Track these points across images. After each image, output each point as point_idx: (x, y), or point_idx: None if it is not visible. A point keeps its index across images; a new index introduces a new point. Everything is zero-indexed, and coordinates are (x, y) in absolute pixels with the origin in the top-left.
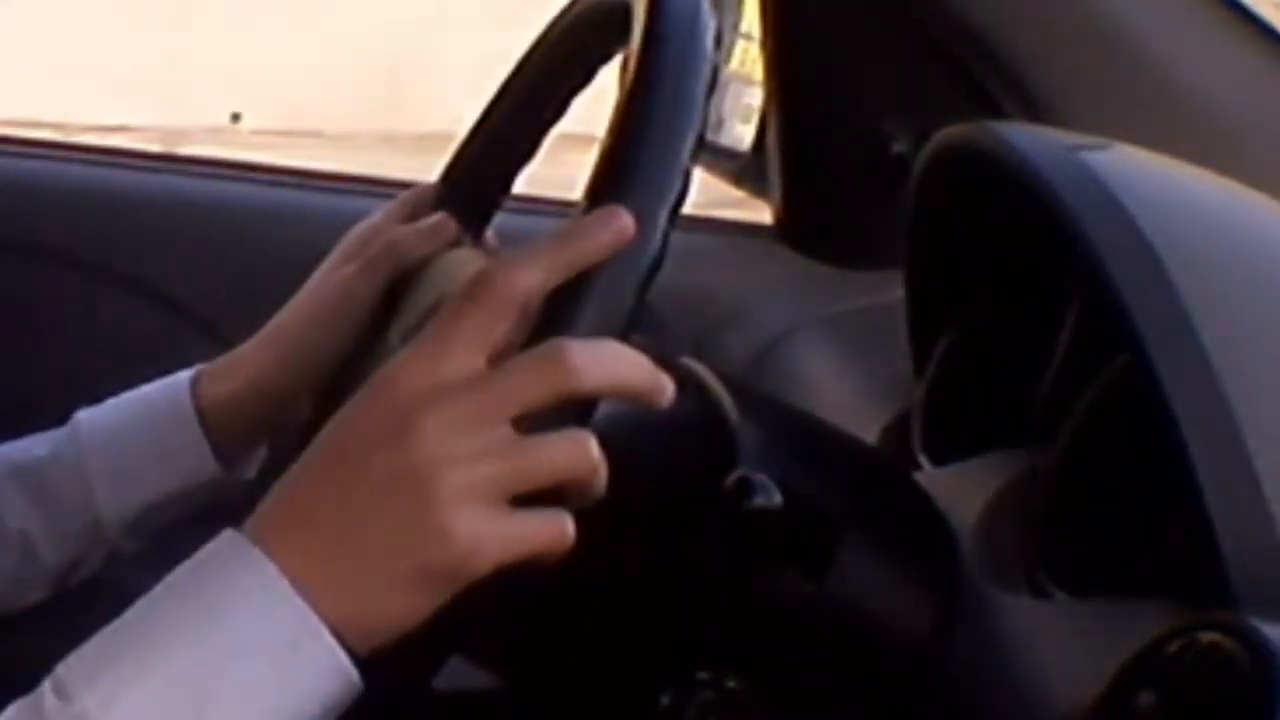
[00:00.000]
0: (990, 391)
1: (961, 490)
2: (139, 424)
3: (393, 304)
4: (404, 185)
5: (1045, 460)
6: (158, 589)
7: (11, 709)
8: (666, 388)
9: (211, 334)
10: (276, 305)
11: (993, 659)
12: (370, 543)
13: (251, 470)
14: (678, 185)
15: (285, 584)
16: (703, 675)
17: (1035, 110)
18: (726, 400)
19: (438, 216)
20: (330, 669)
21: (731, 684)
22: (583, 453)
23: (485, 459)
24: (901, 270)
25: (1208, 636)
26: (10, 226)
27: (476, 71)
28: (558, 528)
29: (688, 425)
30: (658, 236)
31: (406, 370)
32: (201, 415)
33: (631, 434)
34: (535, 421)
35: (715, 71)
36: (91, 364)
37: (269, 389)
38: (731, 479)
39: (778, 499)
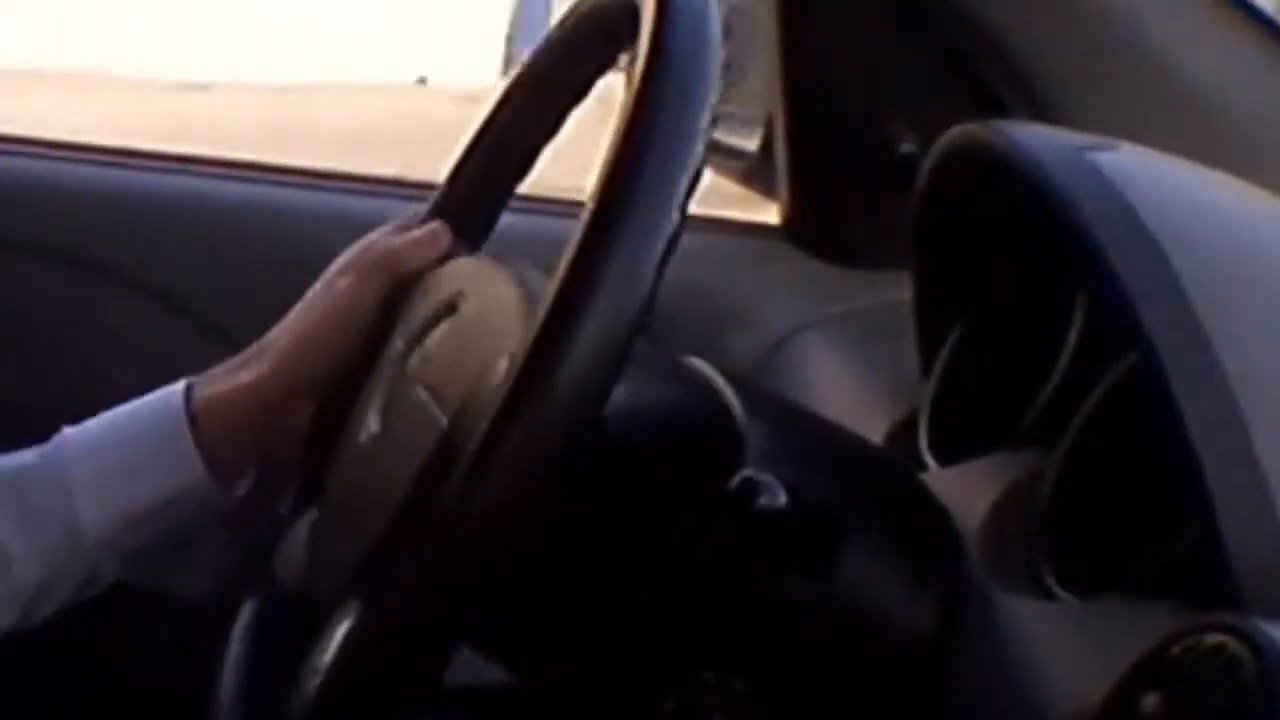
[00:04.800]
0: (997, 391)
1: (967, 491)
2: (127, 432)
3: (392, 314)
4: (408, 184)
5: (1051, 461)
6: None
7: None
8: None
9: (214, 334)
10: (280, 305)
11: (997, 660)
12: None
13: (243, 487)
14: (694, 163)
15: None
16: (707, 676)
17: (1043, 110)
18: (733, 400)
19: (432, 225)
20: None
21: (736, 685)
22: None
23: None
24: (909, 270)
25: (1213, 638)
26: (10, 226)
27: None
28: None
29: (694, 425)
30: (675, 213)
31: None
32: (194, 424)
33: (638, 434)
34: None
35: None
36: (92, 364)
37: (266, 399)
38: (737, 479)
39: (783, 499)
